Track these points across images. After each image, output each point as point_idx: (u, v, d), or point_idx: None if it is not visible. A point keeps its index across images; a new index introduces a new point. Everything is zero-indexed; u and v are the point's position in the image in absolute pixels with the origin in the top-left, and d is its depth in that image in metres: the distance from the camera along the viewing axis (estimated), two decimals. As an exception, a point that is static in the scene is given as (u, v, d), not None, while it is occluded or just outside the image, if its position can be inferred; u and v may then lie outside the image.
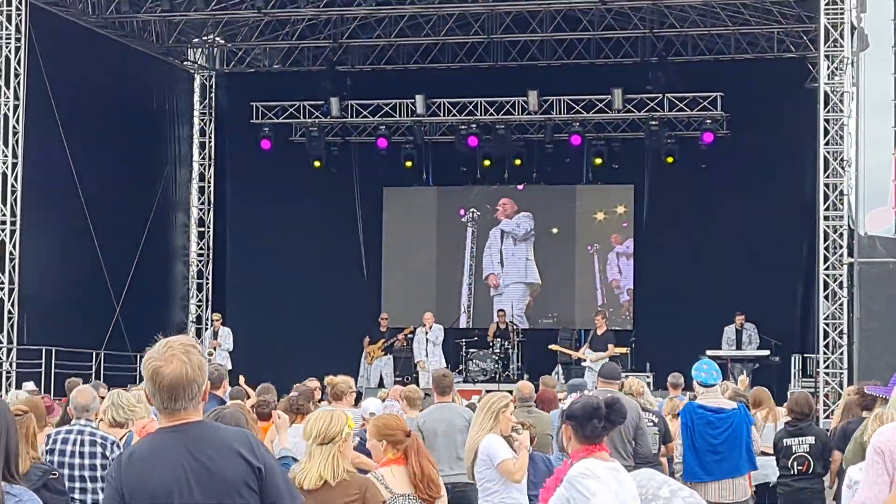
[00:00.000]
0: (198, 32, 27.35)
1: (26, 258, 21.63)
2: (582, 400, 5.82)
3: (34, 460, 7.10)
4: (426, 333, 23.64)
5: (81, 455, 8.16)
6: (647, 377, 21.93)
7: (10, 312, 21.38)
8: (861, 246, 20.51)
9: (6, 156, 21.41)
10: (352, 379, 12.02)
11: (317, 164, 26.95)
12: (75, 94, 23.54)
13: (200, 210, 28.67)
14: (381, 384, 23.67)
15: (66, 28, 23.69)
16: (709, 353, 21.56)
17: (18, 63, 21.44)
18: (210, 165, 28.69)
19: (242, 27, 26.81)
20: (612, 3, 23.89)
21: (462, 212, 27.57)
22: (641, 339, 24.67)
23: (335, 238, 27.37)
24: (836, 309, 20.41)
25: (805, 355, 22.86)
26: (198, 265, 28.54)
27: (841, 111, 20.68)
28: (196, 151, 28.68)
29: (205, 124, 28.74)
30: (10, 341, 21.39)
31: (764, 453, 12.02)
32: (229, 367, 21.35)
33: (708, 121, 25.22)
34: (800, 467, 11.41)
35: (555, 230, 27.27)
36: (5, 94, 21.37)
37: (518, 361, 24.32)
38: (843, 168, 20.64)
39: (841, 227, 20.63)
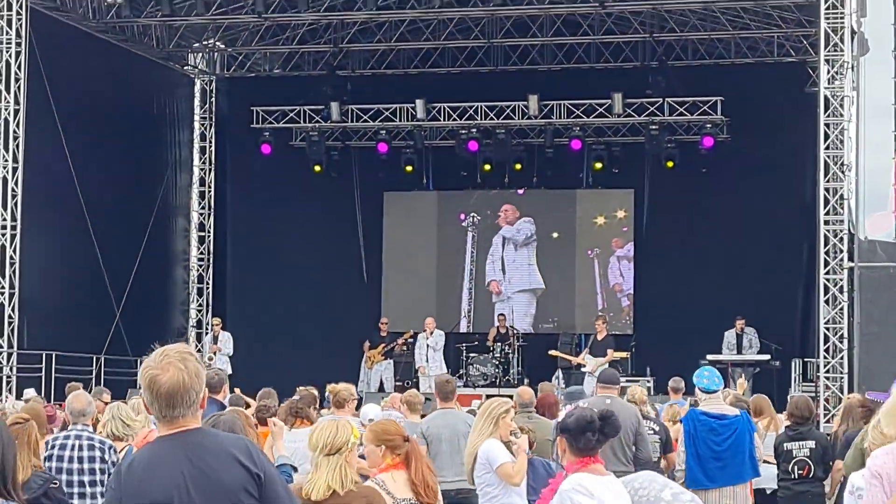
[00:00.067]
0: (198, 37, 27.37)
1: (27, 262, 21.63)
2: (576, 413, 5.85)
3: (36, 468, 7.10)
4: (427, 339, 23.64)
5: (80, 460, 8.17)
6: (648, 382, 21.95)
7: (10, 317, 21.38)
8: (861, 250, 20.52)
9: (7, 160, 21.41)
10: (353, 386, 12.01)
11: (317, 168, 26.97)
12: (76, 99, 23.56)
13: (201, 214, 28.67)
14: (381, 389, 23.67)
15: (66, 32, 23.71)
16: (709, 357, 21.60)
17: (19, 67, 21.45)
18: (210, 170, 28.69)
19: (243, 31, 26.82)
20: (613, 7, 23.91)
21: (462, 216, 27.57)
22: (642, 344, 24.64)
23: (335, 242, 27.37)
24: (836, 313, 20.42)
25: (805, 359, 22.86)
26: (198, 269, 28.54)
27: (841, 115, 20.69)
28: (196, 156, 28.68)
29: (205, 129, 28.75)
30: (10, 346, 21.40)
31: (766, 462, 11.98)
32: (229, 371, 21.32)
33: (708, 125, 25.23)
34: (800, 471, 11.40)
35: (555, 234, 27.26)
36: (6, 98, 21.38)
37: (518, 366, 24.31)
38: (843, 172, 20.65)
39: (841, 231, 20.63)
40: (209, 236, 28.59)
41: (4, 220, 21.41)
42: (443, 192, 27.80)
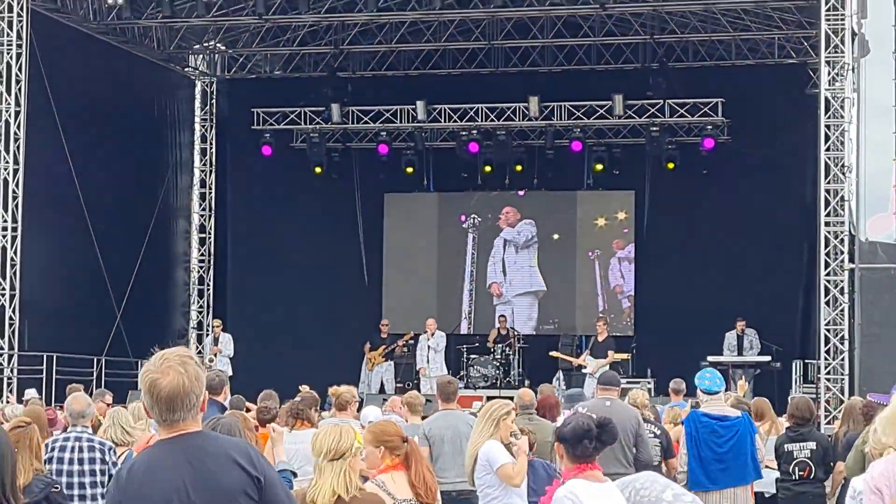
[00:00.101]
0: (199, 39, 27.37)
1: (27, 264, 21.62)
2: (573, 421, 5.86)
3: (37, 472, 7.09)
4: (428, 340, 23.65)
5: (80, 462, 8.17)
6: (649, 383, 21.94)
7: (11, 318, 21.37)
8: (862, 252, 20.52)
9: (7, 162, 21.41)
10: (355, 389, 11.99)
11: (318, 170, 26.97)
12: (76, 100, 23.56)
13: (201, 216, 28.67)
14: (381, 390, 23.66)
15: (67, 34, 23.71)
16: (710, 358, 21.60)
17: (20, 69, 21.45)
18: (211, 172, 28.69)
19: (243, 33, 26.82)
20: (613, 8, 23.91)
21: (463, 218, 27.57)
22: (642, 345, 24.65)
23: (336, 244, 27.36)
24: (836, 315, 20.41)
25: (806, 361, 22.85)
26: (199, 271, 28.54)
27: (841, 117, 20.69)
28: (197, 157, 28.69)
29: (206, 130, 28.75)
30: (11, 347, 21.39)
31: (768, 467, 11.95)
32: (230, 373, 21.33)
33: (709, 127, 25.23)
34: (801, 472, 11.40)
35: (556, 236, 27.26)
36: (6, 100, 21.38)
37: (519, 367, 24.31)
38: (843, 174, 20.65)
39: (842, 232, 20.63)
40: (210, 238, 28.59)
41: (5, 221, 21.41)
42: (443, 194, 27.79)
